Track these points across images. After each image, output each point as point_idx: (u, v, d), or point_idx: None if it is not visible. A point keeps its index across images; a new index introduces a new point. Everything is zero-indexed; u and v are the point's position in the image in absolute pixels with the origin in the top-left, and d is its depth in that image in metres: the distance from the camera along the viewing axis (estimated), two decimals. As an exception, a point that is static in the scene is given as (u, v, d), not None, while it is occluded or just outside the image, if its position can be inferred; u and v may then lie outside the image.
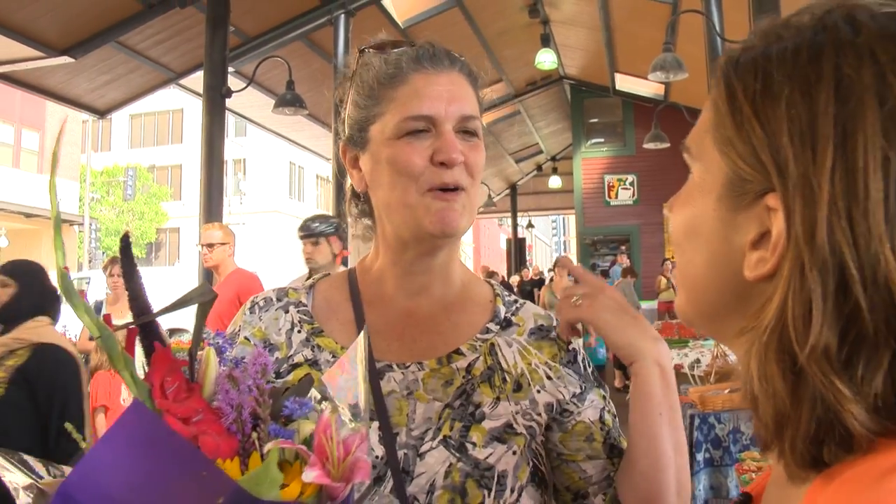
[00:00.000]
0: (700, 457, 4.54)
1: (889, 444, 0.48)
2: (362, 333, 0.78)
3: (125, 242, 0.67)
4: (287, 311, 1.16)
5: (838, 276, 0.49)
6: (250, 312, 1.17)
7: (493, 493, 1.00)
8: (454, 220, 1.03)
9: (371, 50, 1.11)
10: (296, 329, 1.13)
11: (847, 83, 0.50)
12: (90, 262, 29.68)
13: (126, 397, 4.83)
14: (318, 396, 0.72)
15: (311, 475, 0.59)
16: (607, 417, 1.12)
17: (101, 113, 9.89)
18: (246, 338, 1.14)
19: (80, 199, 28.90)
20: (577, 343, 1.16)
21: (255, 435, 0.62)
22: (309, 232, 4.75)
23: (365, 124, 1.09)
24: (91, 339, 4.92)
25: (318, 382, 0.77)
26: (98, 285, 17.43)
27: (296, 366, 1.09)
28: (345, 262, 6.03)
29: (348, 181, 1.16)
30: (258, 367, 0.64)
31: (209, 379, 0.63)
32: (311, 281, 1.22)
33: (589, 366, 1.16)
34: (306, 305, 1.16)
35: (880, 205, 0.48)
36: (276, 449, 0.59)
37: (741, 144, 0.56)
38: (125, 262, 0.66)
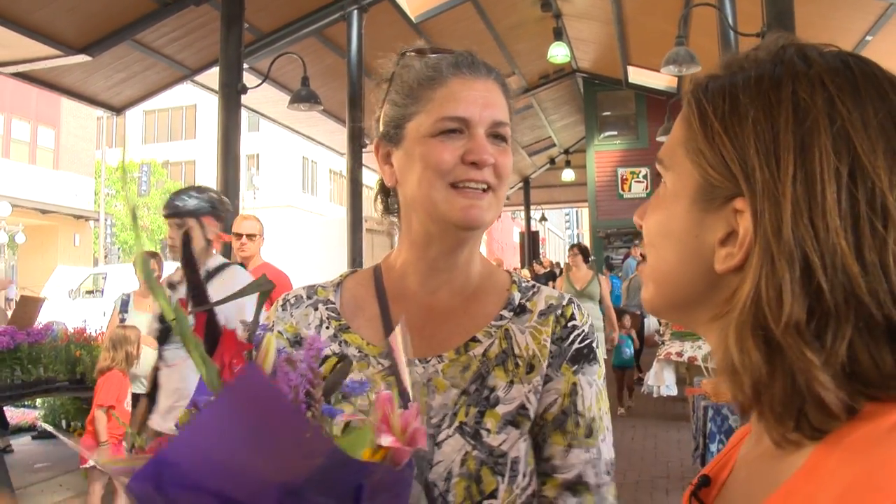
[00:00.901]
0: (714, 447, 4.57)
1: (880, 409, 0.56)
2: (398, 328, 0.84)
3: (186, 238, 0.73)
4: (316, 309, 1.21)
5: (802, 264, 0.58)
6: (282, 309, 1.23)
7: (506, 479, 1.05)
8: (478, 214, 1.09)
9: (411, 53, 1.17)
10: (324, 325, 1.19)
11: (803, 106, 0.60)
12: (105, 257, 29.90)
13: (129, 402, 4.87)
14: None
15: (387, 440, 0.66)
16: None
17: (117, 110, 10.01)
18: (279, 332, 1.19)
19: (95, 195, 29.12)
20: (584, 324, 1.16)
21: (310, 413, 0.68)
22: (173, 210, 3.38)
23: (401, 122, 1.14)
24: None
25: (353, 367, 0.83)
26: (114, 280, 17.52)
27: (325, 359, 1.15)
28: (228, 251, 4.86)
29: (376, 179, 1.21)
30: (313, 351, 0.70)
31: (269, 362, 0.69)
32: (338, 278, 1.26)
33: (585, 343, 1.15)
34: (334, 303, 1.21)
35: (835, 206, 0.57)
36: (368, 420, 0.66)
37: (712, 155, 0.65)
38: (186, 255, 0.72)
